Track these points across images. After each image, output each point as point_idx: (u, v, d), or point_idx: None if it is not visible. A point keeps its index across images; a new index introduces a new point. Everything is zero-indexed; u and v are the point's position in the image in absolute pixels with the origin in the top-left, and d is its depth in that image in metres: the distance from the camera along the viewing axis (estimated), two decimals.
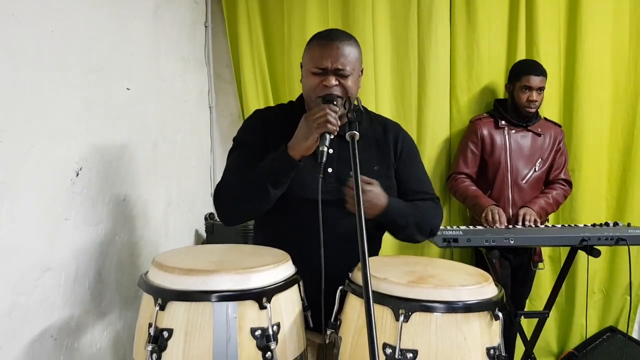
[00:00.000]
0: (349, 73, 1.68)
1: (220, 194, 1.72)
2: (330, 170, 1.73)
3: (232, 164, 1.78)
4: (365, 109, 1.83)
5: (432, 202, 1.90)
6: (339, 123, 1.59)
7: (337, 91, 1.67)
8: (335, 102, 1.62)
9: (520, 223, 2.71)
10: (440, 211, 1.92)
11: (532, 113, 2.85)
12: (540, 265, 2.96)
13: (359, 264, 1.30)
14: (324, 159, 1.50)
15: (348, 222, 1.53)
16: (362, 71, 1.81)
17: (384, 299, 1.28)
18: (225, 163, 1.83)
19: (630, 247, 2.44)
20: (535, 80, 2.79)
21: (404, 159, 1.87)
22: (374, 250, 1.88)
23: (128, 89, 2.17)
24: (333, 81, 1.66)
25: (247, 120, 1.90)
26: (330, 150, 1.63)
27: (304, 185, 1.65)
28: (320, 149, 1.52)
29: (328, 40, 1.71)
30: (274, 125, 1.79)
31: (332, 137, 1.56)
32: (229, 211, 1.73)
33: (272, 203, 1.67)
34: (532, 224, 2.68)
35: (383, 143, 1.84)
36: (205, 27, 3.21)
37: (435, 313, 1.26)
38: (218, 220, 3.01)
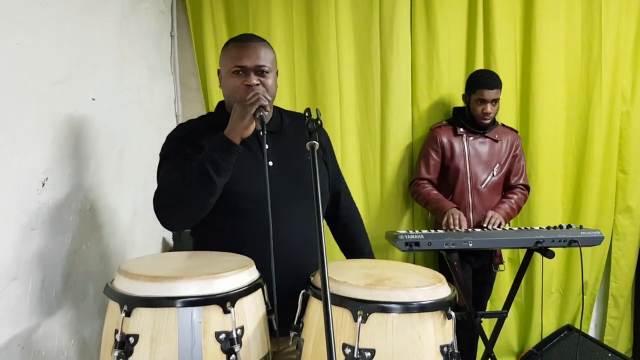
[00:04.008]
0: (268, 69, 1.75)
1: (160, 197, 1.67)
2: (270, 163, 1.76)
3: (167, 172, 1.73)
4: (281, 109, 1.94)
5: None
6: (271, 99, 1.67)
7: (259, 90, 1.70)
8: None
9: (486, 224, 2.80)
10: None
11: (487, 124, 2.96)
12: (500, 267, 3.06)
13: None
14: (266, 120, 1.60)
15: (299, 210, 1.60)
16: (277, 73, 1.86)
17: (342, 301, 1.33)
18: (157, 178, 1.77)
19: (583, 248, 2.56)
20: (489, 94, 2.88)
21: (328, 153, 1.97)
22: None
23: (93, 99, 2.20)
24: (254, 80, 1.72)
25: (173, 133, 1.86)
26: (267, 146, 1.70)
27: (249, 182, 1.69)
28: (259, 114, 1.60)
29: (245, 41, 1.78)
30: (200, 131, 1.78)
31: (267, 113, 1.64)
32: (173, 212, 1.67)
33: (216, 195, 1.64)
34: (496, 228, 2.78)
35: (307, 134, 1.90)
36: (172, 36, 3.24)
37: (391, 313, 1.32)
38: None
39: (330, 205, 2.00)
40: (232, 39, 1.84)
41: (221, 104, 1.91)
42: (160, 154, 1.81)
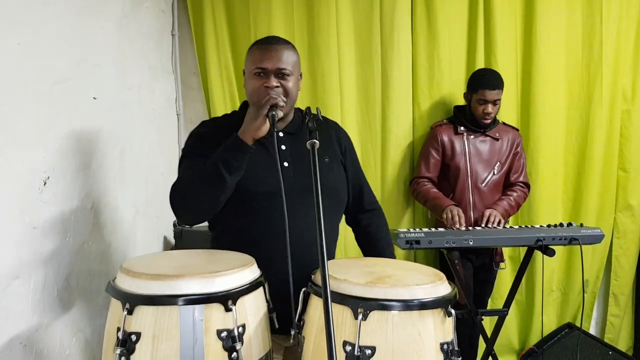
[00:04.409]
0: (289, 72, 1.77)
1: (176, 192, 1.72)
2: (286, 164, 1.79)
3: (186, 168, 1.79)
4: (301, 110, 1.95)
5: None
6: (285, 100, 1.70)
7: (278, 92, 1.74)
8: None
9: (484, 224, 2.80)
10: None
11: (488, 124, 2.97)
12: (501, 265, 3.06)
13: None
14: (277, 119, 1.63)
15: (311, 211, 1.61)
16: (301, 75, 1.89)
17: (343, 298, 1.34)
18: (178, 173, 1.84)
19: (584, 246, 2.56)
20: (490, 94, 2.88)
21: (347, 156, 1.98)
22: (336, 233, 1.96)
23: (94, 98, 2.20)
24: (274, 82, 1.74)
25: (195, 130, 1.91)
26: (283, 147, 1.77)
27: (263, 181, 1.71)
28: (271, 113, 1.62)
29: (267, 44, 1.80)
30: (222, 130, 1.80)
31: (280, 114, 1.66)
32: (186, 207, 1.72)
33: (228, 193, 1.68)
34: (495, 226, 2.78)
35: (327, 137, 1.92)
36: (172, 35, 3.25)
37: (392, 311, 1.32)
38: (187, 226, 3.05)
39: (351, 209, 2.02)
40: (257, 40, 1.87)
41: (245, 104, 1.94)
42: (182, 150, 1.86)
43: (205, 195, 1.68)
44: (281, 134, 1.82)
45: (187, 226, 3.03)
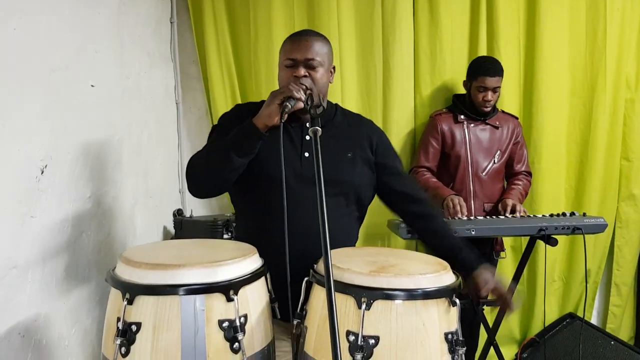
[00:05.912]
0: (317, 64, 1.79)
1: (190, 164, 1.81)
2: (307, 154, 1.81)
3: (207, 144, 1.88)
4: (339, 106, 1.99)
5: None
6: (304, 95, 1.68)
7: (306, 82, 1.75)
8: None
9: (508, 214, 2.76)
10: None
11: (487, 111, 2.94)
12: (502, 254, 3.04)
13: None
14: (286, 113, 1.63)
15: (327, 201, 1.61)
16: (334, 68, 1.91)
17: (346, 288, 1.32)
18: None
19: (586, 235, 2.54)
20: (490, 81, 2.85)
21: (379, 155, 1.94)
22: (354, 230, 1.94)
23: (92, 86, 2.17)
24: (302, 72, 1.76)
25: (228, 111, 2.00)
26: (307, 137, 1.80)
27: (278, 167, 1.69)
28: (285, 103, 1.64)
29: (298, 36, 1.85)
30: (250, 113, 1.81)
31: (300, 104, 1.66)
32: (196, 180, 1.80)
33: (237, 172, 1.73)
34: (521, 214, 2.74)
35: (356, 135, 1.92)
36: (171, 23, 3.20)
37: (396, 300, 1.31)
38: (186, 216, 3.04)
39: (398, 211, 2.00)
40: (290, 34, 1.91)
41: None
42: (212, 127, 1.97)
43: (213, 172, 1.74)
44: (308, 124, 1.83)
45: (186, 216, 3.02)
